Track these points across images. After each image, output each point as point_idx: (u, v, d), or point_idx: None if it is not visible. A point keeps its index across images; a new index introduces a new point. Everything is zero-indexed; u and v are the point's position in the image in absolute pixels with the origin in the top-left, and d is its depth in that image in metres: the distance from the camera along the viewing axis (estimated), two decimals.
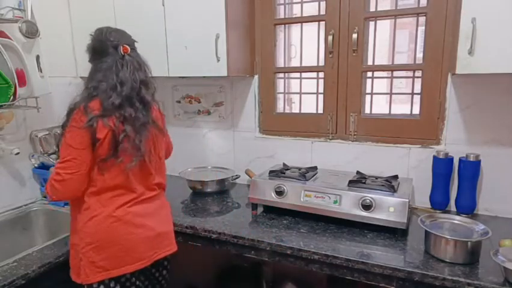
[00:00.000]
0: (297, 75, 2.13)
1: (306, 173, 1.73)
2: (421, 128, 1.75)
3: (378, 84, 1.92)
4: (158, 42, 1.84)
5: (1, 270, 1.28)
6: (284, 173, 1.75)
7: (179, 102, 2.32)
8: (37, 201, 1.94)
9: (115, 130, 1.24)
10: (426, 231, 1.31)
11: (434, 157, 1.67)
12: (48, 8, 1.96)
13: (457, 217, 1.40)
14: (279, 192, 1.62)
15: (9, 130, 1.81)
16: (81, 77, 2.11)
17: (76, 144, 1.22)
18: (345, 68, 1.84)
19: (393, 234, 1.45)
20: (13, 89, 1.62)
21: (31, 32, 1.65)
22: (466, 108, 1.64)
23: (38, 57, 1.74)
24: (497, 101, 1.57)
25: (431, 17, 1.65)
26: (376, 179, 1.65)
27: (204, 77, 2.00)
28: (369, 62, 1.84)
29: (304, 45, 2.03)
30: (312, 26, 1.97)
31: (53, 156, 1.93)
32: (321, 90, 1.96)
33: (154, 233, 1.34)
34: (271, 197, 1.64)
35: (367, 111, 1.90)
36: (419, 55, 1.75)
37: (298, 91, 2.12)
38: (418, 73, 1.77)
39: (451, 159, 1.64)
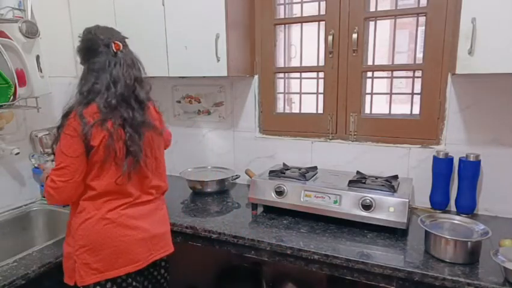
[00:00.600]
0: (297, 75, 2.13)
1: (306, 173, 1.73)
2: (421, 128, 1.75)
3: (378, 84, 1.92)
4: (158, 42, 1.84)
5: (1, 270, 1.28)
6: (284, 173, 1.75)
7: (179, 102, 2.32)
8: (37, 201, 1.94)
9: (112, 134, 1.22)
10: (426, 231, 1.31)
11: (434, 157, 1.67)
12: (48, 8, 1.96)
13: (457, 217, 1.40)
14: (279, 192, 1.62)
15: (9, 130, 1.81)
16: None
17: (70, 152, 1.20)
18: (345, 68, 1.84)
19: (393, 234, 1.45)
20: (13, 89, 1.62)
21: (31, 32, 1.65)
22: (466, 108, 1.64)
23: (38, 57, 1.74)
24: (497, 101, 1.58)
25: (431, 17, 1.65)
26: (376, 179, 1.65)
27: (204, 77, 2.00)
28: (369, 62, 1.84)
29: (304, 45, 2.03)
30: (312, 26, 1.97)
31: (53, 156, 1.93)
32: (321, 90, 1.96)
33: (149, 235, 1.32)
34: (271, 197, 1.64)
35: (367, 111, 1.90)
36: (419, 55, 1.75)
37: (298, 91, 2.12)
38: (418, 73, 1.77)
39: (451, 159, 1.64)
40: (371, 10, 1.78)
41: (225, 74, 1.75)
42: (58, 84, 1.94)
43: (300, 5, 1.99)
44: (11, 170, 1.85)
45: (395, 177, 1.69)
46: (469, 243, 1.23)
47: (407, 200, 1.42)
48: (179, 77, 2.14)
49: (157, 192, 1.42)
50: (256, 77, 2.07)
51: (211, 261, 2.21)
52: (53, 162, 1.77)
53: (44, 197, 1.92)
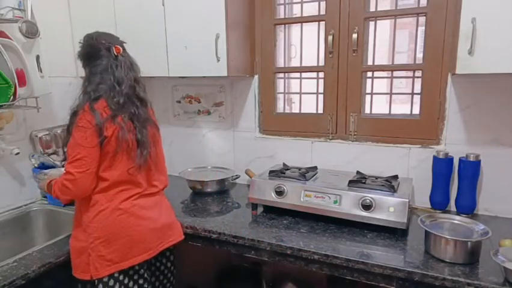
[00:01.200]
0: (297, 75, 2.13)
1: (306, 173, 1.73)
2: (421, 128, 1.75)
3: (378, 84, 1.92)
4: (158, 42, 1.84)
5: (1, 270, 1.28)
6: (284, 173, 1.75)
7: (179, 102, 2.32)
8: (37, 201, 1.94)
9: (123, 126, 1.29)
10: (426, 231, 1.31)
11: (434, 157, 1.67)
12: (48, 8, 1.96)
13: (457, 217, 1.40)
14: (279, 192, 1.62)
15: (9, 130, 1.81)
16: (81, 77, 2.08)
17: (86, 143, 1.25)
18: (345, 68, 1.84)
19: (393, 234, 1.45)
20: (13, 89, 1.62)
21: (31, 32, 1.65)
22: (466, 108, 1.64)
23: (38, 57, 1.74)
24: (497, 101, 1.57)
25: (431, 17, 1.65)
26: (376, 179, 1.65)
27: (204, 77, 2.00)
28: (369, 62, 1.84)
29: (304, 45, 2.03)
30: (312, 26, 1.97)
31: (53, 156, 1.93)
32: (321, 90, 1.96)
33: (159, 224, 1.39)
34: (271, 197, 1.64)
35: (367, 111, 1.90)
36: (419, 55, 1.75)
37: (298, 91, 2.12)
38: (418, 73, 1.77)
39: (451, 159, 1.64)
40: (371, 10, 1.78)
41: (225, 74, 1.75)
42: (58, 84, 1.94)
43: (300, 5, 1.99)
44: (11, 170, 1.84)
45: (395, 177, 1.69)
46: (469, 243, 1.23)
47: (407, 200, 1.42)
48: (179, 77, 2.14)
49: (160, 185, 1.48)
50: (256, 77, 2.07)
51: (211, 261, 2.21)
52: (54, 169, 1.78)
53: (44, 196, 1.93)
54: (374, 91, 1.89)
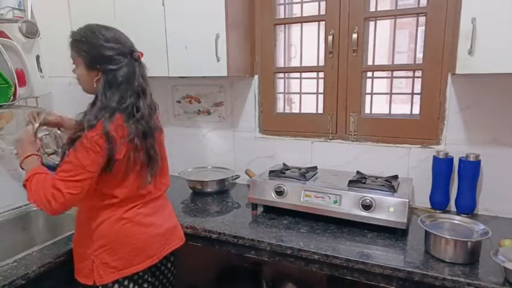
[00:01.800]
0: (297, 75, 2.13)
1: (306, 173, 1.73)
2: (421, 128, 1.75)
3: (378, 84, 1.92)
4: (158, 42, 1.84)
5: (1, 270, 1.27)
6: (284, 173, 1.75)
7: (179, 102, 2.32)
8: None
9: (138, 146, 1.23)
10: (426, 231, 1.31)
11: (434, 157, 1.67)
12: (48, 8, 1.95)
13: (457, 217, 1.40)
14: (279, 192, 1.62)
15: (9, 130, 1.81)
16: None
17: (91, 167, 1.15)
18: (345, 68, 1.84)
19: (393, 234, 1.45)
20: (13, 89, 1.62)
21: (31, 32, 1.65)
22: (466, 108, 1.64)
23: (38, 57, 1.74)
24: (497, 101, 1.57)
25: (431, 17, 1.65)
26: (376, 179, 1.65)
27: (204, 77, 2.00)
28: (369, 62, 1.84)
29: (304, 45, 2.03)
30: (312, 26, 1.97)
31: (53, 156, 1.93)
32: (321, 90, 1.96)
33: (163, 230, 1.37)
34: (271, 197, 1.64)
35: (367, 111, 1.90)
36: (419, 55, 1.75)
37: (298, 91, 2.12)
38: (418, 73, 1.77)
39: (451, 159, 1.64)
40: (371, 10, 1.78)
41: (225, 74, 1.75)
42: (58, 84, 1.94)
43: (300, 5, 1.99)
44: (11, 170, 1.84)
45: (395, 177, 1.69)
46: (469, 243, 1.23)
47: (407, 200, 1.42)
48: (179, 77, 2.14)
49: (163, 188, 1.46)
50: (256, 77, 2.07)
51: (211, 261, 2.21)
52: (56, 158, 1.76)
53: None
54: (374, 91, 1.89)
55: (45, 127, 1.88)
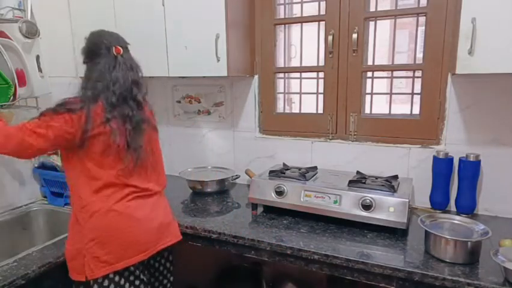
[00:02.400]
0: (297, 75, 2.13)
1: (306, 173, 1.73)
2: (421, 128, 1.75)
3: (378, 84, 1.92)
4: (158, 42, 1.84)
5: (1, 270, 1.28)
6: (284, 173, 1.75)
7: (179, 102, 2.32)
8: (37, 201, 1.94)
9: (115, 130, 1.28)
10: (426, 231, 1.31)
11: (434, 157, 1.67)
12: (48, 8, 1.96)
13: (457, 217, 1.40)
14: (279, 192, 1.62)
15: None
16: (81, 77, 2.10)
17: (57, 132, 1.23)
18: (345, 68, 1.84)
19: (393, 234, 1.45)
20: (13, 89, 1.62)
21: (31, 32, 1.65)
22: (466, 108, 1.64)
23: (38, 57, 1.74)
24: (497, 101, 1.57)
25: (431, 17, 1.65)
26: (376, 179, 1.65)
27: (204, 77, 2.01)
28: (369, 62, 1.84)
29: (304, 45, 2.03)
30: (312, 26, 1.97)
31: (53, 156, 1.93)
32: (321, 90, 1.96)
33: (155, 224, 1.38)
34: (271, 197, 1.64)
35: (367, 111, 1.90)
36: (419, 55, 1.75)
37: (298, 91, 2.12)
38: (418, 73, 1.77)
39: (451, 159, 1.64)
40: (371, 10, 1.78)
41: (225, 74, 1.75)
42: (58, 84, 1.94)
43: (300, 5, 1.99)
44: (11, 170, 1.84)
45: (395, 177, 1.69)
46: (469, 243, 1.23)
47: (407, 200, 1.42)
48: (179, 77, 2.14)
49: (158, 187, 1.46)
50: (256, 77, 2.07)
51: (211, 261, 2.21)
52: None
53: (44, 196, 1.93)
54: (374, 91, 1.89)
55: None
